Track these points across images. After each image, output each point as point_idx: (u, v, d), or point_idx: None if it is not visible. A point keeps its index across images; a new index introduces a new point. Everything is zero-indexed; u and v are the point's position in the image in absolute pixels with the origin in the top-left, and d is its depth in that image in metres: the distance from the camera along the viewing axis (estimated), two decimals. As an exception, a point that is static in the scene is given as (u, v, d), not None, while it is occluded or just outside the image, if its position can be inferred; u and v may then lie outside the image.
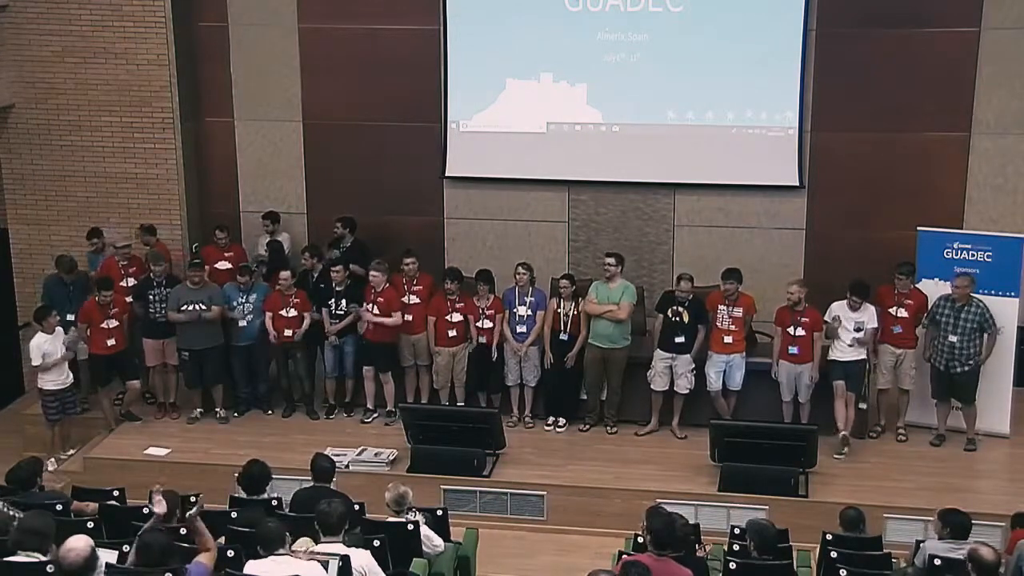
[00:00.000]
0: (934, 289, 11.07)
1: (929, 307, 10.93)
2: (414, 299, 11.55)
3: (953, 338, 10.69)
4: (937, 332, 10.83)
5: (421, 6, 12.57)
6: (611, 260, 11.28)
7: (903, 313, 10.94)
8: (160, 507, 6.85)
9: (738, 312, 10.97)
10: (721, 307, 11.00)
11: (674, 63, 12.23)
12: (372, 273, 11.43)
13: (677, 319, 11.06)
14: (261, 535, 6.74)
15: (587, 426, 11.51)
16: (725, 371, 11.00)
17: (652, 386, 11.18)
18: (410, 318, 11.52)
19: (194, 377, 11.73)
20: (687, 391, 11.15)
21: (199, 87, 13.04)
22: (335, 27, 12.74)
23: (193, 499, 8.20)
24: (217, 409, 11.80)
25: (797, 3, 11.89)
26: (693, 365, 11.08)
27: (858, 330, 10.67)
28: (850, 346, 10.71)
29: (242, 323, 11.57)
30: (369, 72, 12.76)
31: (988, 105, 11.84)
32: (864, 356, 10.83)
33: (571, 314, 11.29)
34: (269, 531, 6.75)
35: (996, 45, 11.69)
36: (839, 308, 10.80)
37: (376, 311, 11.35)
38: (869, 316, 10.75)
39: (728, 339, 10.97)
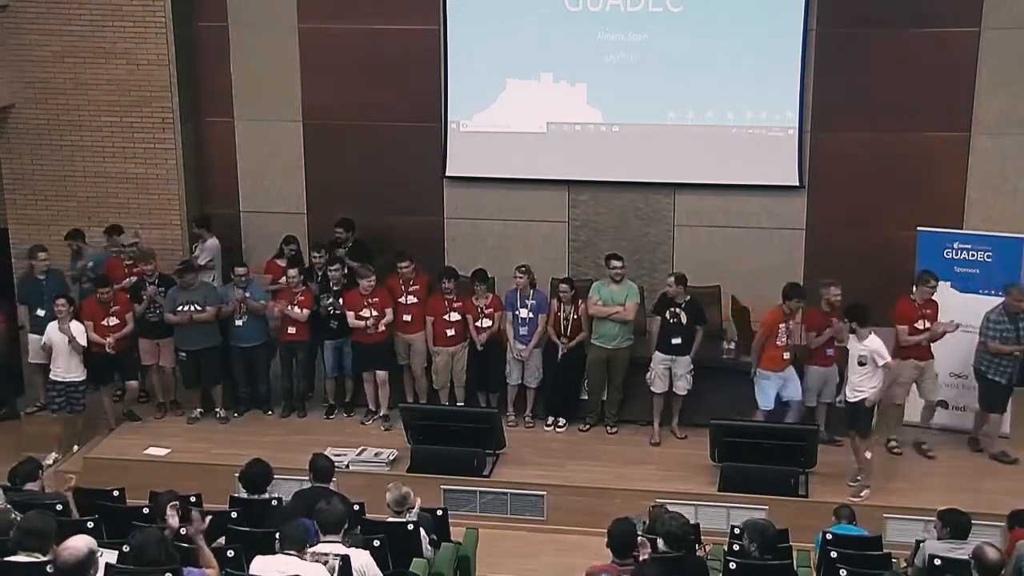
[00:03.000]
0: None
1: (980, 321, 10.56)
2: (411, 299, 11.54)
3: (1018, 352, 10.48)
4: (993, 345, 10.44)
5: (421, 6, 12.57)
6: (619, 263, 11.24)
7: (928, 325, 10.60)
8: (174, 521, 6.85)
9: (792, 325, 10.61)
10: (781, 325, 10.53)
11: (674, 63, 12.23)
12: (359, 280, 11.33)
13: (675, 321, 11.04)
14: (285, 532, 6.76)
15: (587, 426, 11.51)
16: (782, 386, 10.66)
17: (652, 388, 11.16)
18: (408, 318, 11.52)
19: (191, 377, 11.74)
20: (686, 392, 11.14)
21: (199, 87, 13.04)
22: (335, 27, 12.74)
23: (193, 498, 8.21)
24: (217, 409, 11.80)
25: (797, 3, 11.89)
26: (692, 366, 11.07)
27: (861, 364, 9.91)
28: (857, 388, 10.00)
29: (238, 322, 11.56)
30: (369, 72, 12.76)
31: (988, 105, 11.84)
32: (865, 396, 9.97)
33: (571, 317, 11.28)
34: (294, 531, 6.76)
35: (996, 45, 11.69)
36: (852, 341, 10.08)
37: (372, 314, 11.31)
38: (872, 352, 9.85)
39: (787, 355, 10.61)
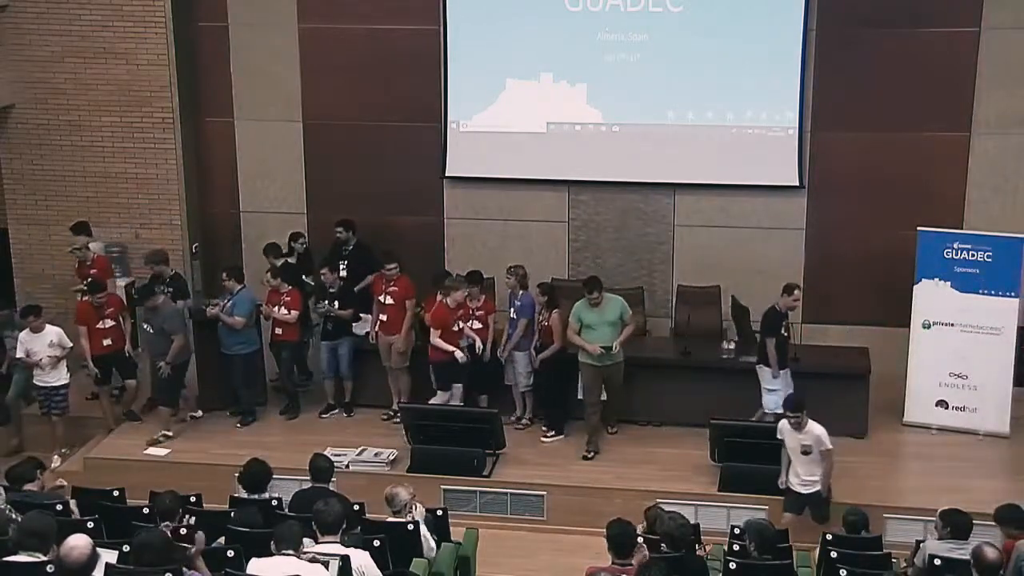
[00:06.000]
0: (935, 290, 11.07)
1: None
2: (389, 300, 11.42)
3: None
4: None
5: (421, 6, 12.57)
6: (595, 295, 10.56)
7: None
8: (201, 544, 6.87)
9: None
10: None
11: (674, 63, 12.24)
12: (455, 295, 10.98)
13: (787, 334, 10.63)
14: (278, 532, 6.76)
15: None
16: None
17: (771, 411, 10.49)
18: (385, 318, 11.41)
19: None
20: None
21: (199, 87, 13.05)
22: (335, 27, 12.74)
23: (193, 498, 8.21)
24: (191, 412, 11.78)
25: (797, 3, 11.90)
26: None
27: (805, 453, 9.31)
28: (807, 478, 9.38)
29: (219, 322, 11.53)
30: (369, 72, 12.76)
31: (988, 105, 11.84)
32: (819, 487, 9.40)
33: (543, 325, 11.07)
34: (287, 529, 6.76)
35: (996, 45, 11.69)
36: (784, 427, 9.43)
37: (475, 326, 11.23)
38: (816, 439, 9.26)
39: None
